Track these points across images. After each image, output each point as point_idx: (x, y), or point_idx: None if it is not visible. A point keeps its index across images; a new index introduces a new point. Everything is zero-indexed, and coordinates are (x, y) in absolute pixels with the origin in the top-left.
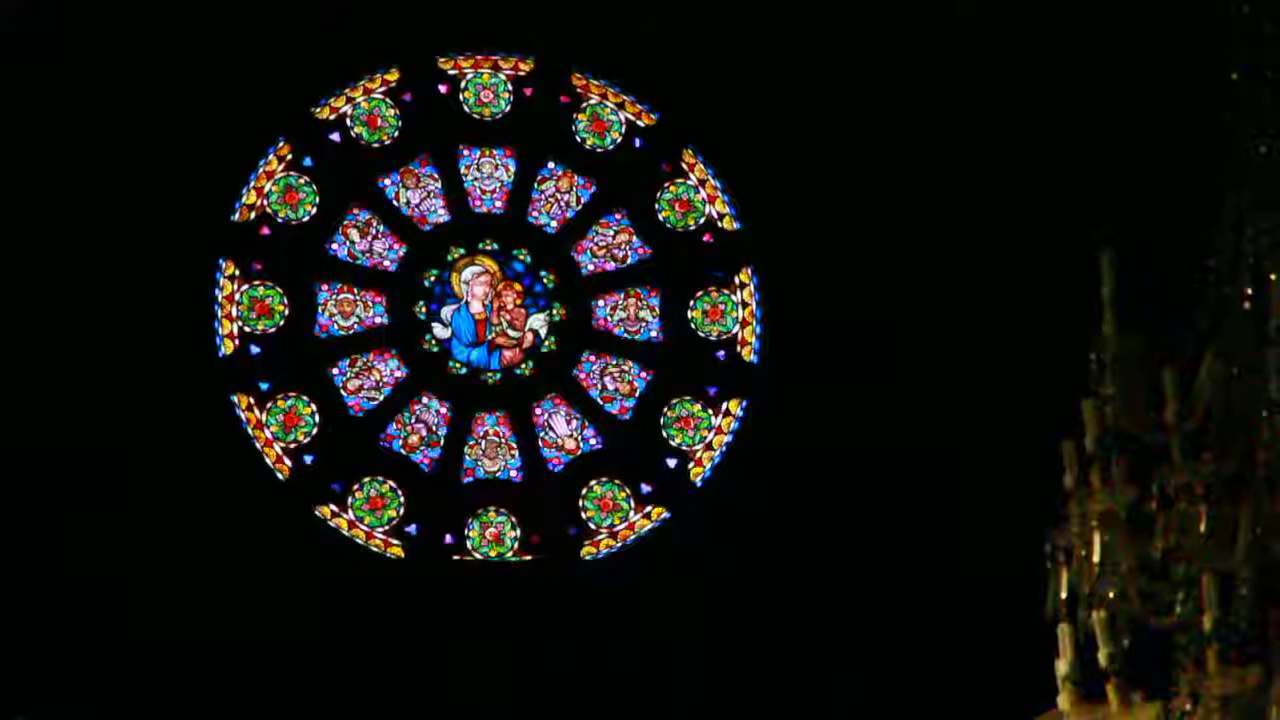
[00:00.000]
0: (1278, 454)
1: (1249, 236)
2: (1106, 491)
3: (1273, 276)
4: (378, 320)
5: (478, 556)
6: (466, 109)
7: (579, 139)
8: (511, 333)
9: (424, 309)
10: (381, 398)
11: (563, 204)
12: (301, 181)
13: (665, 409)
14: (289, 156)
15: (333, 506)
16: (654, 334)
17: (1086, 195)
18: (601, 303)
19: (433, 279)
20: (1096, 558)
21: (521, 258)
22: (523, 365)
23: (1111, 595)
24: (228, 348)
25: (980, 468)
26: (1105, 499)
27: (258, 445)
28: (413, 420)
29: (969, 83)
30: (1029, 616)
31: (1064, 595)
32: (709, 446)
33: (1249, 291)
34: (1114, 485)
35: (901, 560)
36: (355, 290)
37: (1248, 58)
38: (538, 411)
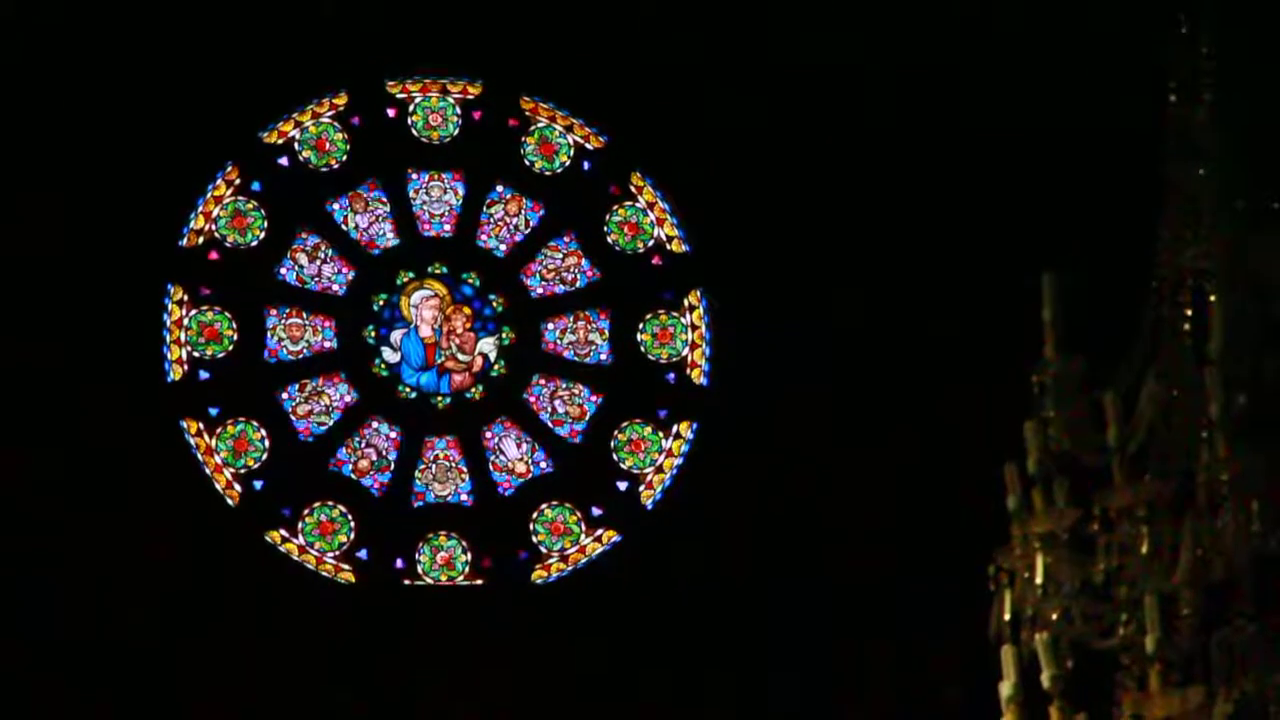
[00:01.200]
0: (1218, 475)
1: (1189, 258)
2: (1048, 513)
3: (1213, 298)
4: (327, 345)
5: (429, 581)
6: (415, 133)
7: (527, 162)
8: (461, 356)
9: (373, 333)
10: (331, 422)
11: (511, 227)
12: (250, 206)
13: (615, 432)
14: (237, 181)
15: (283, 532)
16: (603, 357)
17: (1031, 220)
18: (551, 326)
19: (382, 303)
20: (1039, 579)
21: (471, 281)
22: (473, 389)
23: (1054, 617)
24: (176, 373)
25: (928, 488)
26: (1047, 521)
27: (207, 471)
28: (363, 445)
29: (919, 108)
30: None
31: (1007, 617)
32: (659, 469)
33: (1189, 313)
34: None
35: (851, 578)
36: (304, 315)
37: (1185, 82)
38: (488, 435)
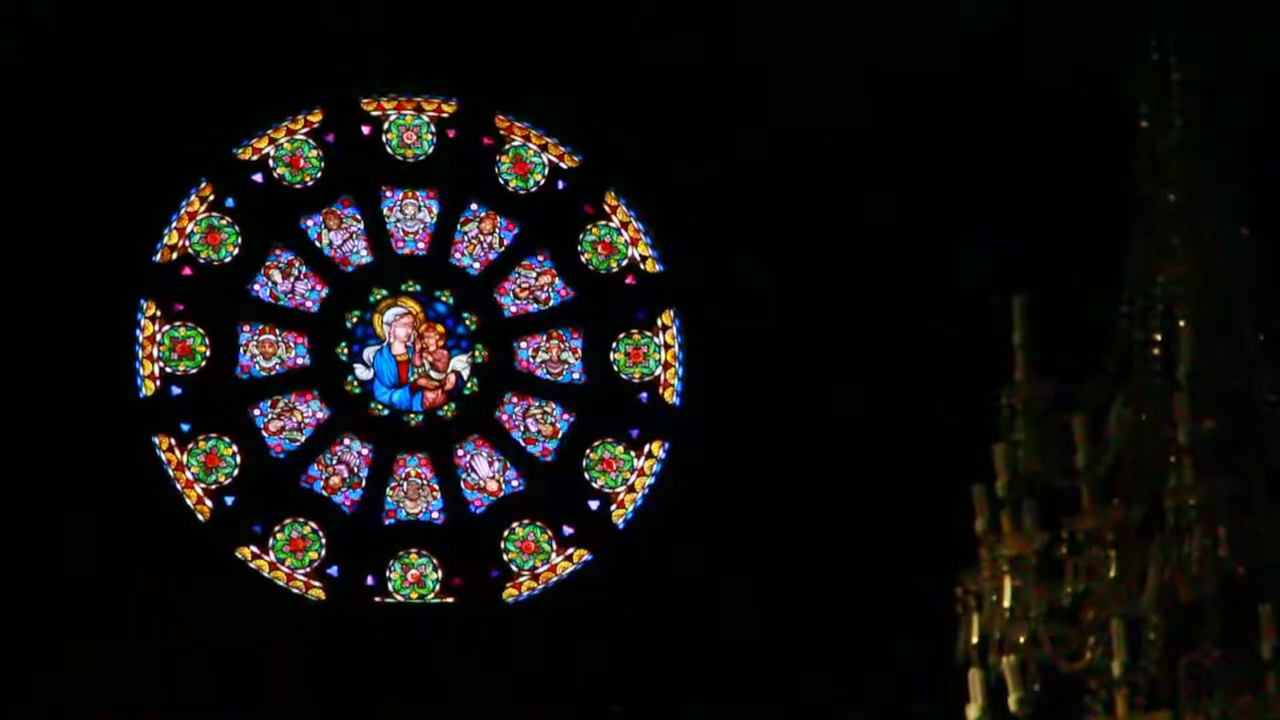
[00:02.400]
0: (1186, 499)
1: (1159, 283)
2: (1017, 536)
3: (1182, 323)
4: (299, 361)
5: (399, 598)
6: (389, 150)
7: (502, 180)
8: (434, 374)
9: (346, 350)
10: (303, 439)
11: (485, 245)
12: (224, 222)
13: (587, 451)
14: (211, 197)
15: (254, 548)
16: (576, 376)
17: (1005, 239)
18: (524, 344)
19: (355, 320)
20: (1007, 602)
21: (444, 299)
22: (445, 407)
23: (1022, 640)
24: (149, 388)
25: (905, 505)
26: (1015, 544)
27: (178, 486)
28: (334, 462)
29: (895, 125)
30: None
31: (975, 639)
32: (631, 488)
33: (1158, 337)
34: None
35: (821, 603)
36: (277, 331)
37: (1157, 104)
38: (460, 453)
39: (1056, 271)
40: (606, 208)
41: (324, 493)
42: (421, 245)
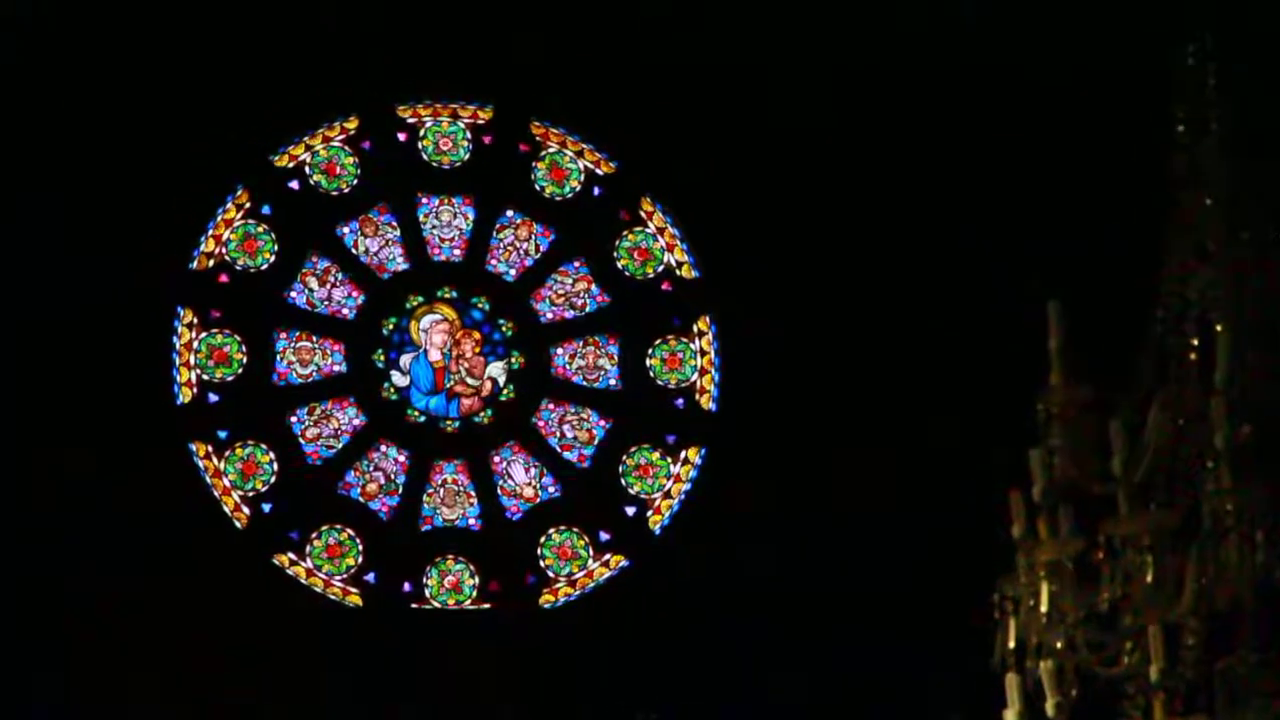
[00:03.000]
0: (1223, 505)
1: (1195, 288)
2: (1053, 542)
3: (1219, 328)
4: (336, 368)
5: (436, 605)
6: (425, 157)
7: (538, 187)
8: (470, 381)
9: (382, 357)
10: (340, 446)
11: (521, 252)
12: (260, 229)
13: (624, 457)
14: (248, 204)
15: (291, 555)
16: (613, 382)
17: (1039, 247)
18: (560, 351)
19: (391, 327)
20: (1044, 607)
21: (480, 306)
22: (481, 413)
23: (1059, 645)
24: (186, 396)
25: (935, 517)
26: (1052, 549)
27: (216, 493)
28: (371, 468)
29: (932, 128)
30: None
31: (1012, 645)
32: (668, 495)
33: (1195, 342)
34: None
35: (854, 609)
36: (314, 338)
37: (1193, 109)
38: (496, 459)
39: (1094, 277)
40: (642, 214)
41: (361, 499)
42: (458, 252)
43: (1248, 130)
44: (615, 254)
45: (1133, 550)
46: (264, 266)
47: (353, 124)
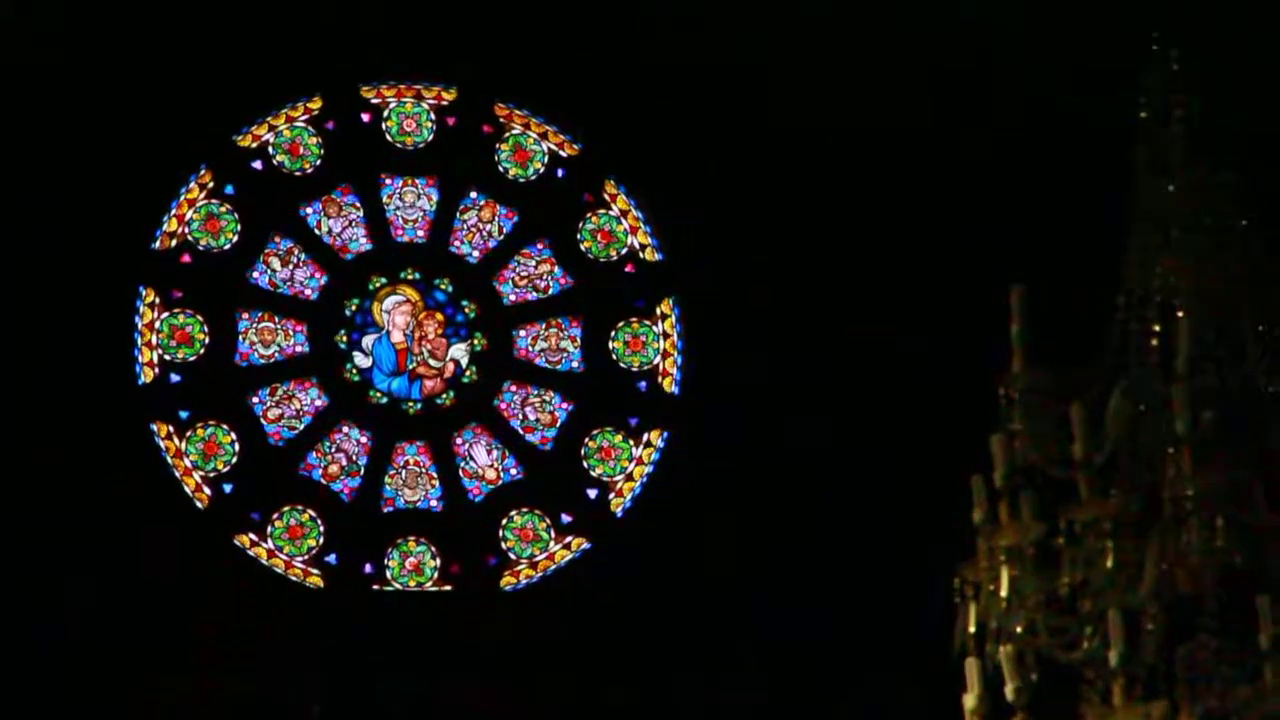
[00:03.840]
0: (1183, 490)
1: (1157, 274)
2: (1014, 527)
3: (1180, 314)
4: (299, 349)
5: (397, 586)
6: (389, 138)
7: (501, 169)
8: (433, 362)
9: (345, 338)
10: (302, 427)
11: (485, 234)
12: (223, 209)
13: (586, 439)
14: (210, 184)
15: (252, 535)
16: (575, 364)
17: (1001, 232)
18: (523, 333)
19: (354, 308)
20: (1004, 592)
21: (443, 287)
22: (444, 395)
23: (1019, 630)
24: (147, 376)
25: (900, 499)
26: (1012, 534)
27: (177, 474)
28: (333, 449)
29: (895, 114)
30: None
31: (972, 629)
32: (629, 477)
33: (1156, 328)
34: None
35: (819, 590)
36: (276, 319)
37: (1158, 98)
38: (458, 441)
39: (1057, 262)
40: (606, 196)
41: (323, 480)
42: (421, 233)
43: (1212, 118)
44: (579, 236)
45: (1093, 535)
46: (227, 247)
47: (316, 104)
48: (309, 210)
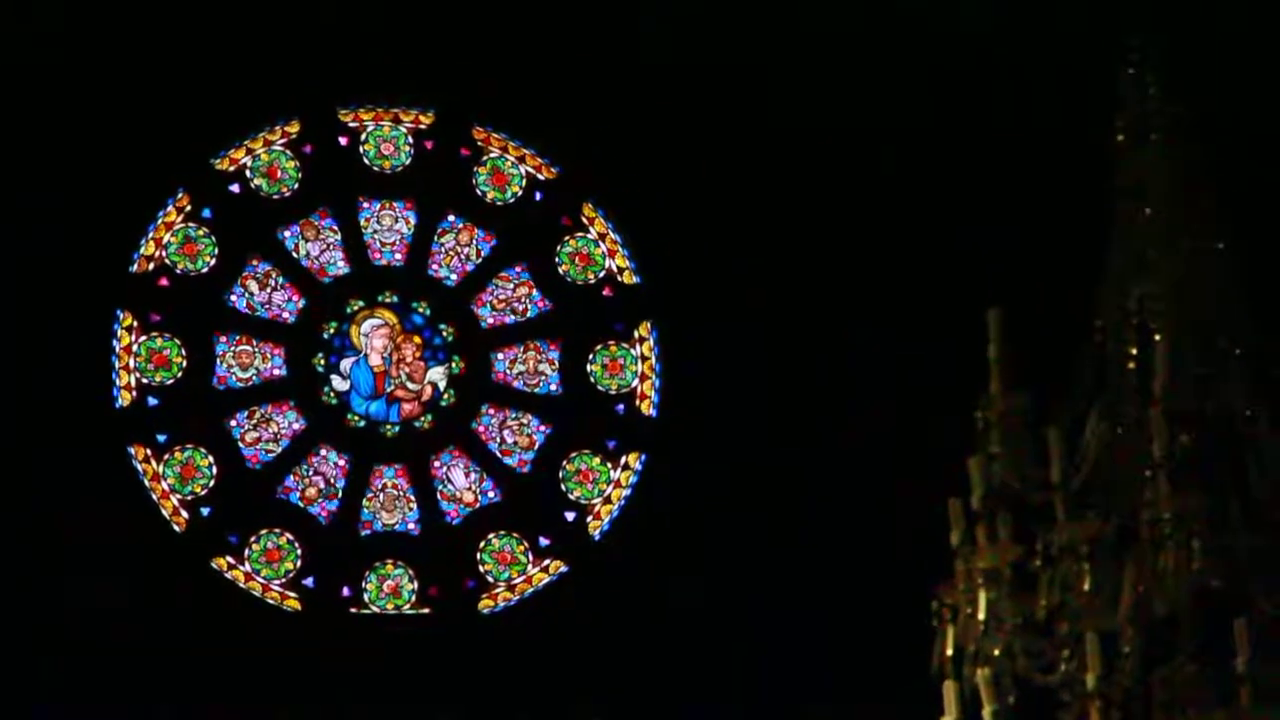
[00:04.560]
0: (1160, 513)
1: (1134, 297)
2: (991, 549)
3: (1157, 337)
4: (276, 372)
5: (375, 609)
6: (367, 161)
7: (479, 192)
8: (411, 385)
9: (323, 361)
10: (279, 450)
11: (463, 257)
12: (200, 233)
13: (564, 462)
14: (188, 208)
15: (229, 559)
16: (553, 387)
17: (978, 250)
18: (501, 356)
19: (332, 331)
20: (981, 615)
21: (421, 310)
22: (422, 418)
23: (996, 653)
24: (125, 399)
25: (879, 518)
26: (990, 556)
27: (154, 497)
28: (310, 473)
29: (869, 137)
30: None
31: (949, 652)
32: (608, 500)
33: (1134, 351)
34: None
35: (800, 613)
36: (254, 342)
37: (1133, 118)
38: (436, 464)
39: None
40: (584, 219)
41: (300, 504)
42: (399, 256)
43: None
44: (557, 259)
45: (1070, 558)
46: (204, 270)
47: (294, 128)
48: (287, 233)
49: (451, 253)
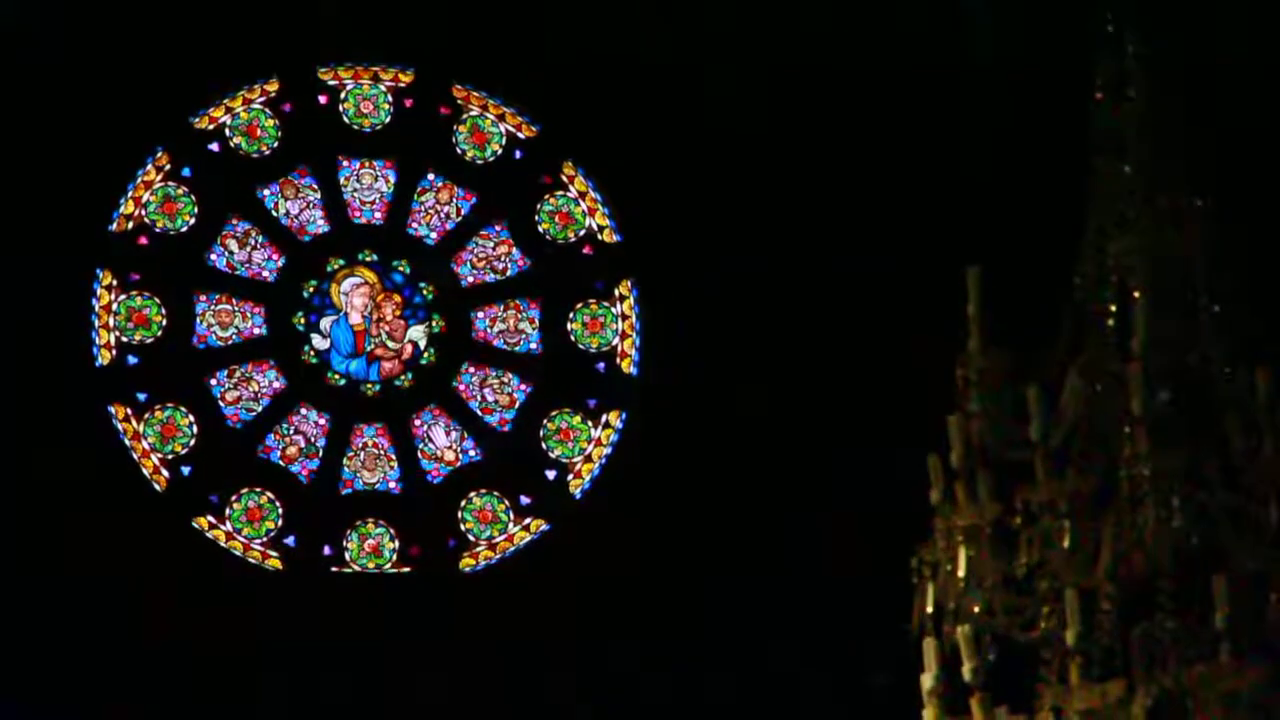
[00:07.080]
0: (1140, 470)
1: (1112, 254)
2: (970, 507)
3: (1136, 294)
4: (256, 331)
5: (356, 568)
6: (346, 120)
7: (459, 150)
8: (391, 344)
9: (303, 320)
10: (260, 409)
11: (442, 215)
12: (180, 191)
13: (545, 421)
14: (167, 166)
15: (210, 518)
16: (534, 346)
17: (957, 213)
18: (481, 314)
19: (312, 290)
20: (961, 573)
21: (401, 269)
22: (402, 377)
23: (976, 610)
24: (105, 358)
25: (856, 477)
26: (969, 514)
27: (135, 456)
28: (291, 431)
29: (850, 99)
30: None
31: (929, 609)
32: (588, 459)
33: (1113, 308)
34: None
35: (779, 572)
36: (234, 301)
37: (1112, 75)
38: (417, 423)
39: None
40: (564, 178)
41: (281, 463)
42: (378, 215)
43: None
44: (536, 218)
45: (1049, 516)
46: (184, 229)
47: (273, 86)
48: (266, 192)
49: (431, 211)
